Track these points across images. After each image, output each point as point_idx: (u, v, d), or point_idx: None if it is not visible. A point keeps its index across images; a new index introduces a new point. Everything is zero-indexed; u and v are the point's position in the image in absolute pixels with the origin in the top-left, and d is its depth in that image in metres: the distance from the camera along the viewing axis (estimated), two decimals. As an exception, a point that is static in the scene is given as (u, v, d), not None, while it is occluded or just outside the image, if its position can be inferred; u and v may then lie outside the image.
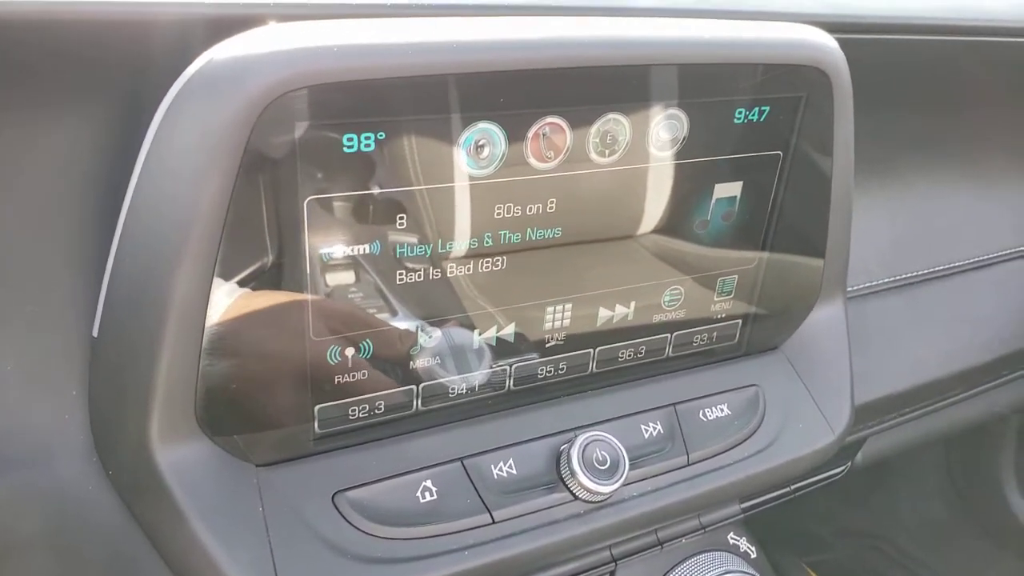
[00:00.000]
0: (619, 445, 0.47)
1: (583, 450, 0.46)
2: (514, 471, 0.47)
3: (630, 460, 0.47)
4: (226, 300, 0.38)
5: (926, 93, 0.71)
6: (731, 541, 0.62)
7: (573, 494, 0.46)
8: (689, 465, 0.51)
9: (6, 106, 0.38)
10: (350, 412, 0.44)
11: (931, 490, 1.13)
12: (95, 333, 0.40)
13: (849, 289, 0.62)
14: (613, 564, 0.55)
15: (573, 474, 0.46)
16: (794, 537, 1.09)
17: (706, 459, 0.51)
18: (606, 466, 0.46)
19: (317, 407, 0.43)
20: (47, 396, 0.40)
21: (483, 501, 0.45)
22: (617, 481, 0.46)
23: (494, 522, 0.45)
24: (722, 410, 0.54)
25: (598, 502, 0.47)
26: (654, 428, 0.51)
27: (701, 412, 0.53)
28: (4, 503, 0.40)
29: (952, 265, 0.74)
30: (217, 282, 0.37)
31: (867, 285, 0.69)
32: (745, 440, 0.53)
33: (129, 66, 0.39)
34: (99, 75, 0.39)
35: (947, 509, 1.13)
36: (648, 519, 0.49)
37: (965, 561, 1.11)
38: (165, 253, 0.36)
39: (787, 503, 0.74)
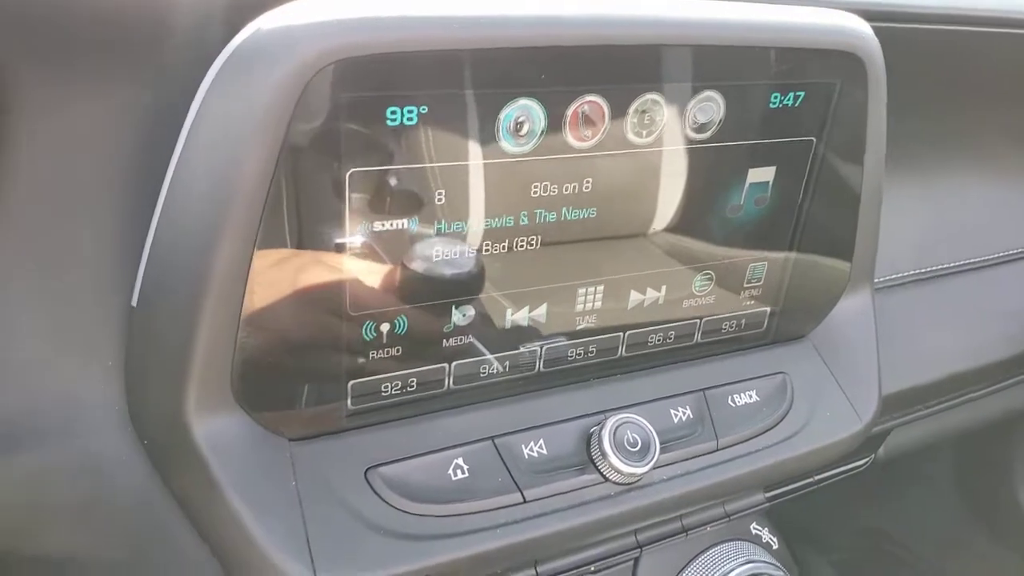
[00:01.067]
0: (650, 428, 0.47)
1: (614, 432, 0.46)
2: (545, 451, 0.47)
3: (660, 443, 0.47)
4: (266, 272, 0.38)
5: (954, 85, 0.71)
6: (754, 531, 0.62)
7: (603, 476, 0.46)
8: (719, 450, 0.50)
9: (45, 79, 0.38)
10: (383, 388, 0.44)
11: (944, 490, 1.13)
12: (134, 303, 0.40)
13: (876, 281, 0.61)
14: (638, 550, 0.55)
15: (604, 455, 0.46)
16: (809, 535, 1.09)
17: (735, 444, 0.51)
18: (637, 448, 0.46)
19: (351, 383, 0.43)
20: (83, 366, 0.40)
21: (514, 480, 0.45)
22: (648, 463, 0.46)
23: (525, 501, 0.45)
24: (751, 396, 0.54)
25: (628, 484, 0.47)
26: (684, 412, 0.51)
27: (730, 398, 0.53)
28: (39, 473, 0.40)
29: (979, 259, 0.74)
30: (258, 254, 0.37)
31: (893, 277, 0.68)
32: (774, 426, 0.53)
33: (173, 37, 0.39)
34: (141, 46, 0.39)
35: (959, 510, 1.12)
36: (676, 503, 0.49)
37: (977, 562, 1.10)
38: (207, 224, 0.37)
39: (805, 499, 0.74)
